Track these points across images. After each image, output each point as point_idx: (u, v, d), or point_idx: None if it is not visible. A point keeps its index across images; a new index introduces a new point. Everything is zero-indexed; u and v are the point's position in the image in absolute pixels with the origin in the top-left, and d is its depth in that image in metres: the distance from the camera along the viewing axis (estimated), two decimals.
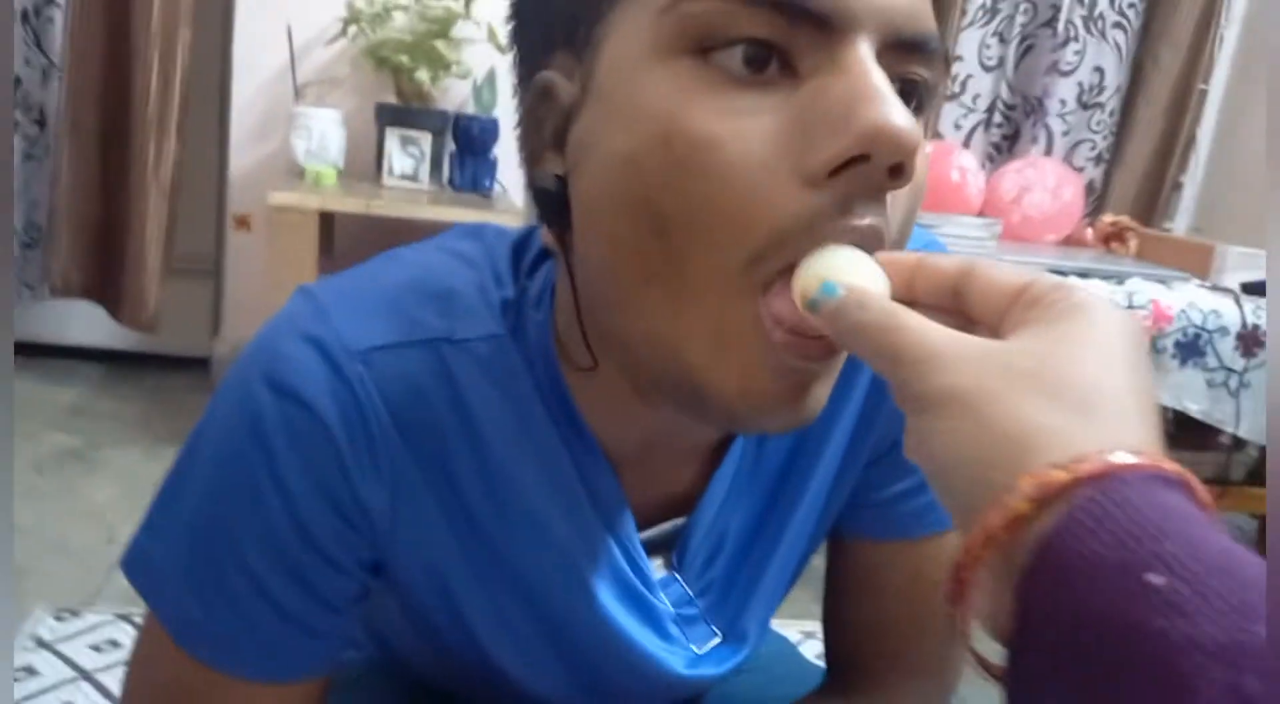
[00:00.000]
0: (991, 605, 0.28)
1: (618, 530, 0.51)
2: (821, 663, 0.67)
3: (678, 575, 0.54)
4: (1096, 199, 2.53)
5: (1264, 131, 2.41)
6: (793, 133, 0.36)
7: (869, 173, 0.35)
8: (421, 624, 0.52)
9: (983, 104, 2.47)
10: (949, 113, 2.43)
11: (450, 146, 2.16)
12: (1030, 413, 0.28)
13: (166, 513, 0.47)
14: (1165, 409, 1.66)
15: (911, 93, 0.39)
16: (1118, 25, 2.45)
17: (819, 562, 0.61)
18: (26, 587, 1.42)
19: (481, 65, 2.14)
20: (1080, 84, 2.46)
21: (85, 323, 2.35)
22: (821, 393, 0.40)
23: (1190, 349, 1.67)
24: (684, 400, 0.41)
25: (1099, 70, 2.46)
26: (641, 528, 0.52)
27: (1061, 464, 0.26)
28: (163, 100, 2.06)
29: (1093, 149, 2.51)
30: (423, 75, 2.03)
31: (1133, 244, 2.20)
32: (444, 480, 0.47)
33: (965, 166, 2.28)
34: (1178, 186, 2.56)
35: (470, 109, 2.22)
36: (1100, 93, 2.47)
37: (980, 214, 2.30)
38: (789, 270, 0.36)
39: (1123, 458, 0.26)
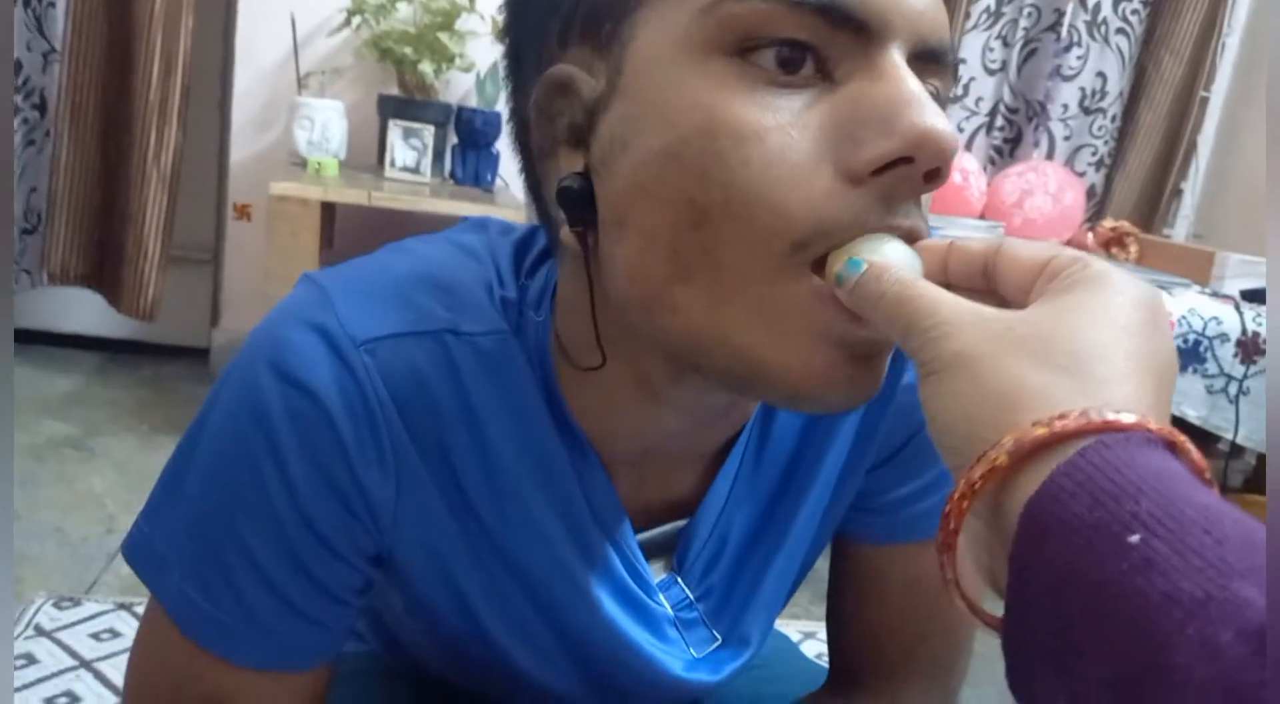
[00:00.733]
0: (990, 562, 0.29)
1: (614, 533, 0.51)
2: (822, 662, 0.67)
3: (678, 578, 0.54)
4: (1097, 204, 2.54)
5: (1265, 139, 2.41)
6: (835, 131, 0.37)
7: (909, 174, 0.36)
8: (426, 617, 0.52)
9: (985, 107, 2.47)
10: (952, 116, 2.43)
11: (452, 139, 2.16)
12: (1018, 372, 0.29)
13: (169, 498, 0.47)
14: None
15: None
16: (1121, 31, 2.45)
17: (821, 563, 0.61)
18: (25, 574, 1.42)
19: (485, 59, 2.14)
20: (1082, 89, 2.46)
21: (84, 311, 2.34)
22: (881, 367, 0.40)
23: (1190, 355, 1.67)
24: (738, 384, 0.40)
25: (1101, 75, 2.46)
26: (642, 529, 0.52)
27: (1043, 421, 0.27)
28: (164, 87, 2.05)
29: (1094, 154, 2.51)
30: (426, 68, 2.03)
31: (1133, 249, 2.21)
32: (446, 471, 0.47)
33: (967, 170, 2.29)
34: (1178, 193, 2.56)
35: (473, 102, 2.21)
36: (1102, 98, 2.47)
37: (982, 217, 2.30)
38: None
39: (1105, 415, 0.27)
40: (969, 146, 2.47)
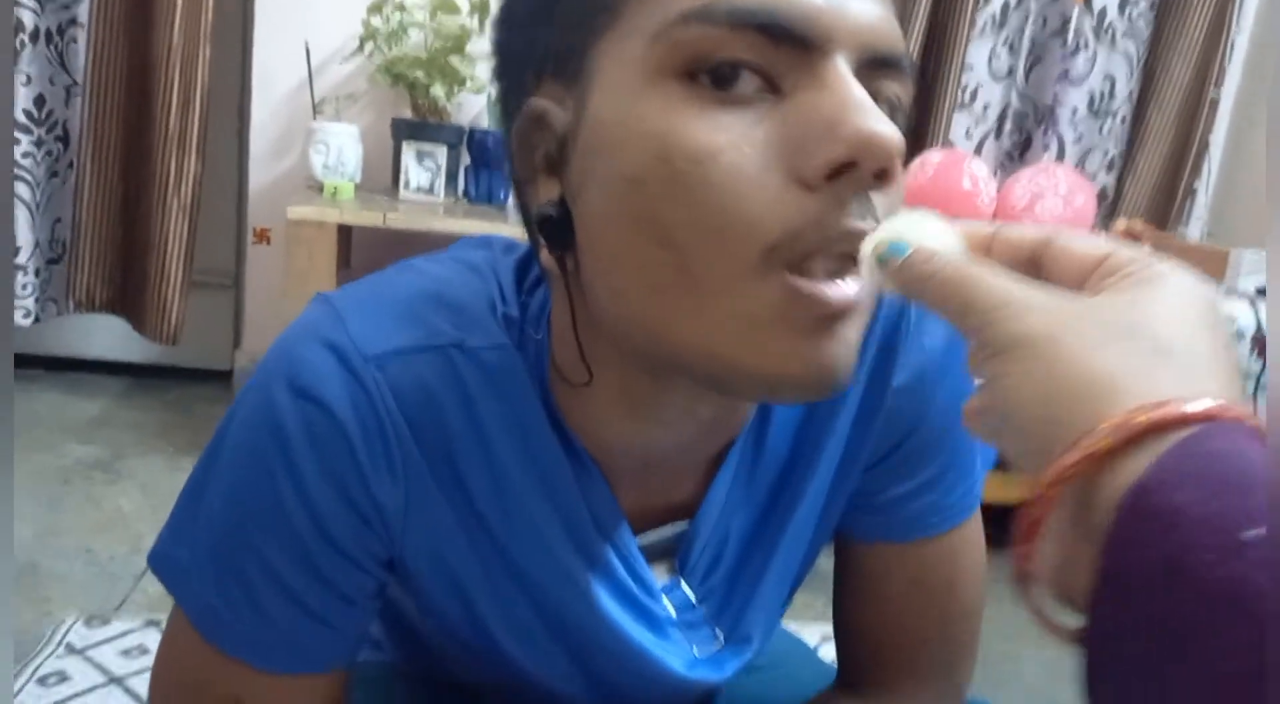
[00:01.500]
0: (1062, 554, 0.28)
1: (615, 540, 0.52)
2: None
3: (681, 580, 0.56)
4: (1109, 206, 2.53)
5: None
6: (783, 142, 0.38)
7: (858, 177, 0.38)
8: (437, 620, 0.54)
9: (993, 113, 2.48)
10: (960, 122, 2.44)
11: (465, 160, 2.19)
12: (1105, 356, 0.28)
13: (191, 510, 0.49)
14: None
15: (890, 108, 0.41)
16: (1128, 34, 2.45)
17: (827, 566, 0.62)
18: (55, 594, 1.45)
19: None
20: (1091, 92, 2.46)
21: (109, 337, 2.38)
22: (848, 333, 0.40)
23: None
24: (722, 387, 0.42)
25: (1110, 78, 2.46)
26: (643, 532, 0.54)
27: (1145, 407, 0.26)
28: (183, 118, 2.10)
29: (1105, 156, 2.51)
30: (438, 90, 2.06)
31: (1147, 250, 2.20)
32: (454, 481, 0.49)
33: (977, 174, 2.29)
34: (1191, 193, 2.55)
35: (484, 123, 2.25)
36: (1111, 100, 2.47)
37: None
38: (809, 255, 0.38)
39: (1205, 404, 0.26)
40: (978, 152, 2.48)
